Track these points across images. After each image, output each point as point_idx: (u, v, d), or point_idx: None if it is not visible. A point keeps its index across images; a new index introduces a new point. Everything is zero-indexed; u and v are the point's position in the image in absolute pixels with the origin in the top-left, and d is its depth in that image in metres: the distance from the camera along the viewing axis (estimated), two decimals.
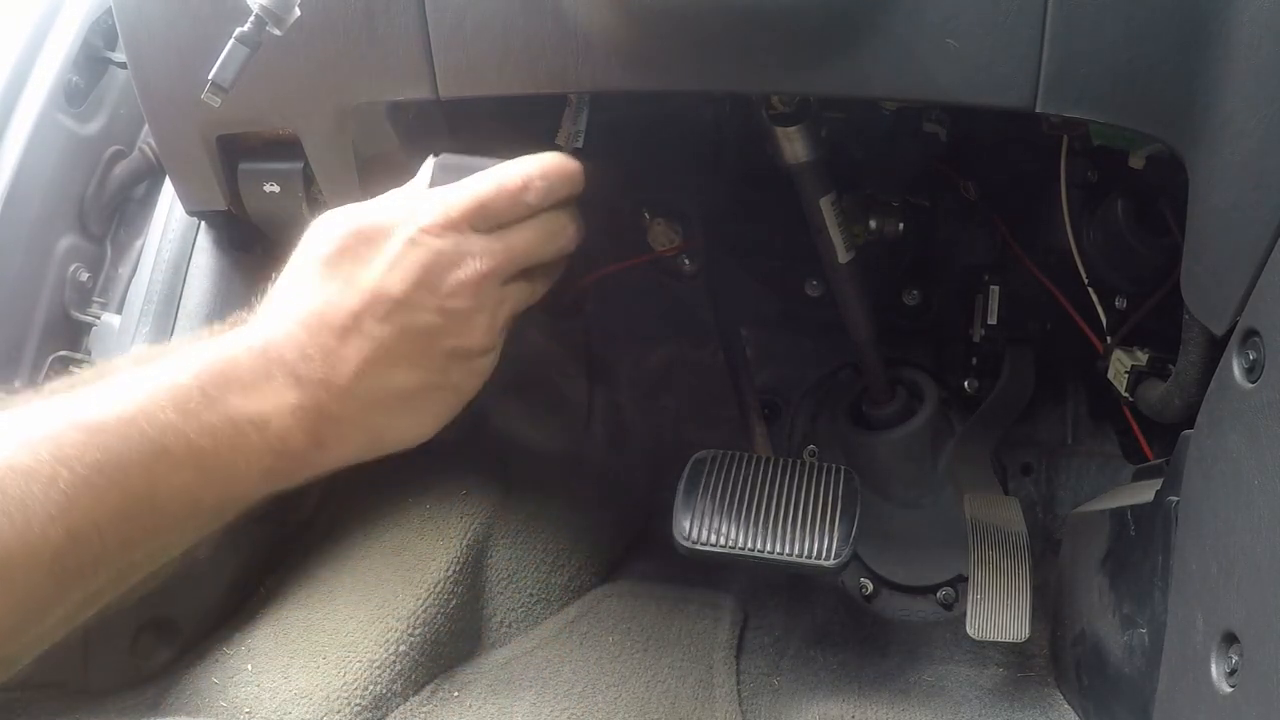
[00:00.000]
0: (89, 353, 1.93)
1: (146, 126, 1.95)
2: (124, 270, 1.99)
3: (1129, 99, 1.19)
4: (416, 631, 1.63)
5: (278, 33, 1.27)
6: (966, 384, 2.13)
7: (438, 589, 1.71)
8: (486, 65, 1.35)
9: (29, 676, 1.43)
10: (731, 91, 1.67)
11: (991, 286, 2.03)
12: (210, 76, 1.25)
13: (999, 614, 1.61)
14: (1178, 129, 1.18)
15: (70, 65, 1.90)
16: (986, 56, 1.20)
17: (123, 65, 1.91)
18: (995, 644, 1.69)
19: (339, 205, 1.56)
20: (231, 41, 1.25)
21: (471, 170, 1.49)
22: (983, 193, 2.00)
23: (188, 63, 1.41)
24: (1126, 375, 1.63)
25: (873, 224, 1.96)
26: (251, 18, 1.25)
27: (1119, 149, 1.53)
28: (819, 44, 1.25)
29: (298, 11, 1.26)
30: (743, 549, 1.62)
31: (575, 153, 1.62)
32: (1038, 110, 1.21)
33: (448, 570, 1.74)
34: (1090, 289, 1.79)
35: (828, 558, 1.60)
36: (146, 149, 1.97)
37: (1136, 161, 1.53)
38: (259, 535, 1.78)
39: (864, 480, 1.74)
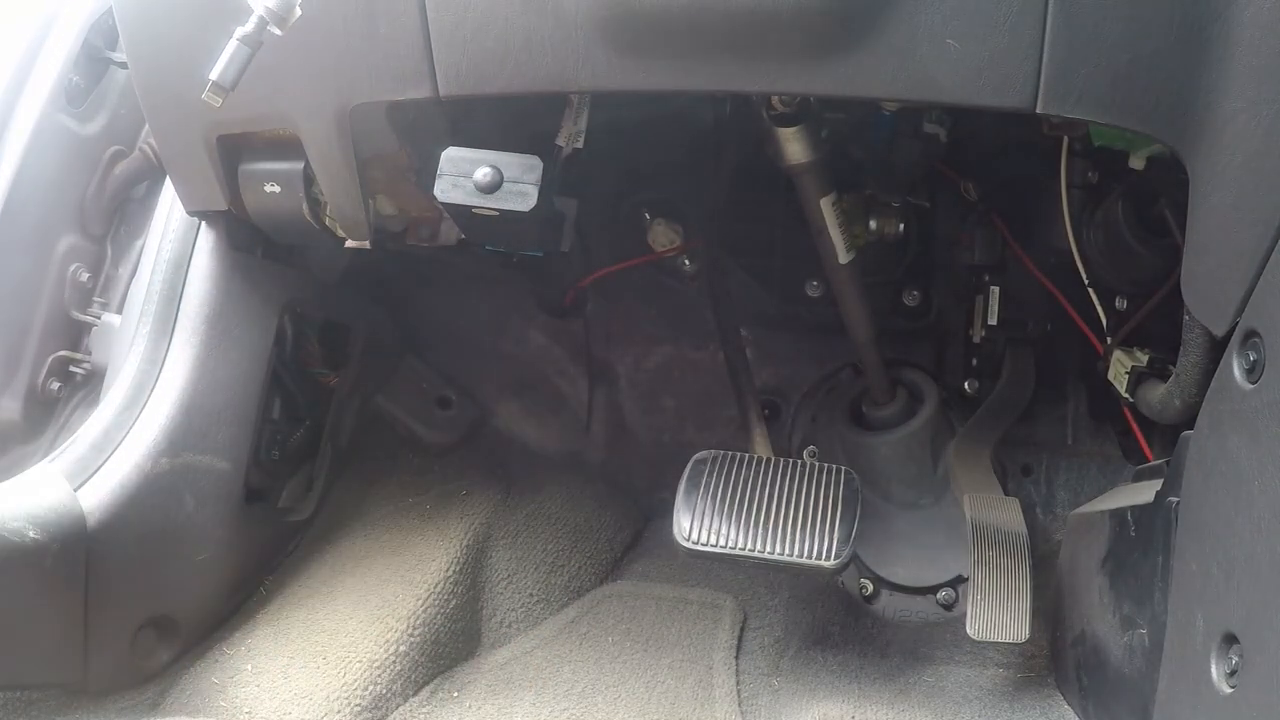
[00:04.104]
0: (89, 352, 1.93)
1: (147, 126, 1.94)
2: (124, 270, 1.98)
3: (1129, 100, 1.19)
4: (416, 632, 1.64)
5: (279, 33, 1.26)
6: (966, 385, 2.13)
7: (438, 589, 1.71)
8: (487, 65, 1.35)
9: (29, 676, 1.43)
10: (732, 92, 1.67)
11: (992, 287, 2.03)
12: (212, 77, 1.25)
13: (999, 615, 1.60)
14: (1178, 130, 1.18)
15: (71, 65, 1.90)
16: (987, 58, 1.20)
17: (123, 65, 1.91)
18: (995, 644, 1.69)
19: (339, 205, 1.58)
20: (233, 42, 1.24)
21: (479, 163, 1.51)
22: (983, 193, 2.01)
23: (188, 63, 1.41)
24: (1127, 376, 1.63)
25: (873, 224, 1.96)
26: (253, 18, 1.24)
27: (1119, 150, 1.53)
28: (819, 44, 1.25)
29: (299, 11, 1.26)
30: (742, 550, 1.62)
31: (576, 153, 1.63)
32: (1038, 111, 1.22)
33: (447, 570, 1.75)
34: (1090, 290, 1.79)
35: (828, 558, 1.61)
36: (147, 149, 1.96)
37: (1137, 162, 1.53)
38: (258, 535, 1.78)
39: (864, 481, 1.74)
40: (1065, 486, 2.09)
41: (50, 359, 1.89)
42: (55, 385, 1.90)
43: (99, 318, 1.94)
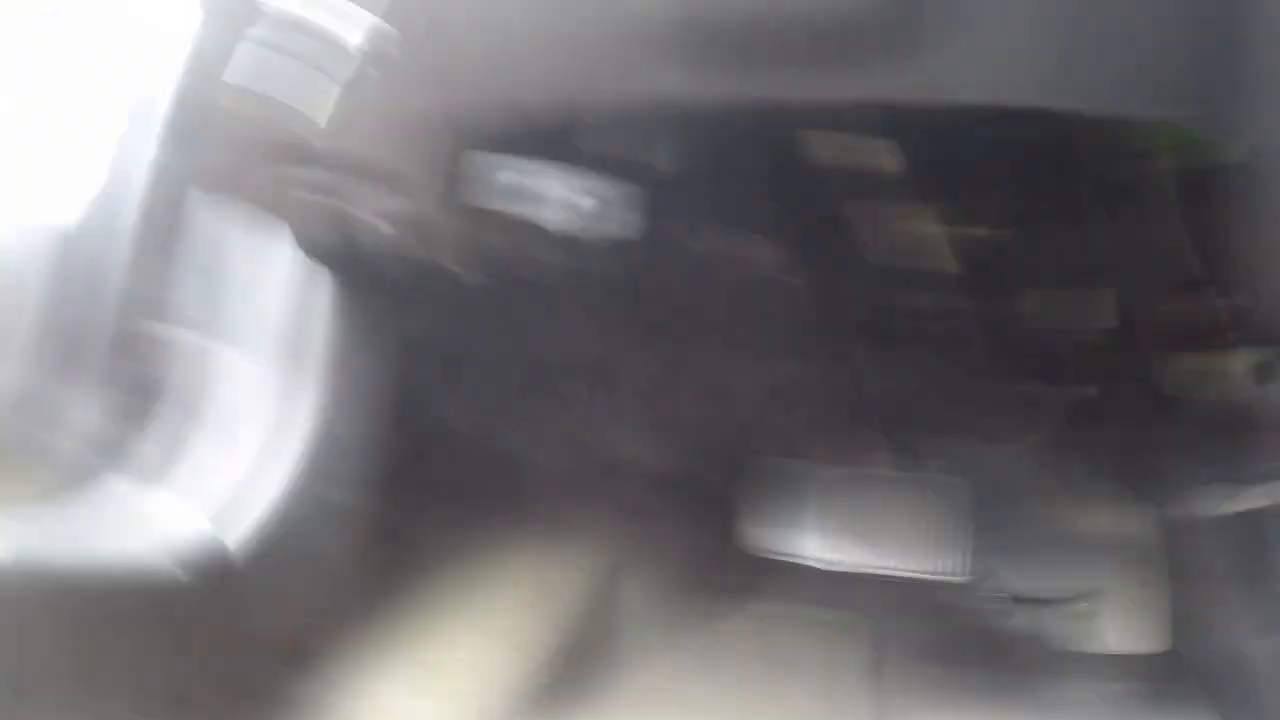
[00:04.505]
0: (164, 372, 1.95)
1: (232, 160, 1.98)
2: (201, 292, 2.01)
3: (1195, 96, 1.17)
4: (547, 661, 1.65)
5: (374, 73, 1.29)
6: (1084, 389, 2.10)
7: (566, 618, 1.73)
8: (569, 81, 1.38)
9: (172, 713, 1.47)
10: (798, 99, 1.67)
11: (1105, 288, 2.00)
12: (314, 124, 1.27)
13: (1137, 624, 1.58)
14: (1260, 121, 1.16)
15: (174, 109, 1.93)
16: (1054, 60, 1.19)
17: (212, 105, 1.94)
18: (1133, 654, 1.66)
19: (441, 236, 1.60)
20: (324, 85, 1.26)
21: (554, 186, 1.53)
22: (1090, 193, 1.98)
23: (288, 109, 1.44)
24: (1247, 371, 1.60)
25: (979, 231, 1.94)
26: (352, 63, 1.26)
27: (1205, 142, 1.51)
28: (883, 48, 1.25)
29: (392, 52, 1.28)
30: (870, 568, 1.62)
31: (676, 175, 1.63)
32: (1109, 112, 1.22)
33: (575, 599, 1.77)
34: (1201, 283, 1.76)
35: (959, 574, 1.60)
36: (228, 182, 1.99)
37: (1234, 153, 1.51)
38: (387, 568, 1.82)
39: (991, 494, 1.73)
40: (1200, 485, 2.03)
41: (125, 378, 1.91)
42: (134, 402, 1.91)
43: (174, 337, 1.96)
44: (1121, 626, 1.59)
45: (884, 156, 1.69)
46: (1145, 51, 1.17)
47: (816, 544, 1.66)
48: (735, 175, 2.01)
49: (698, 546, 2.02)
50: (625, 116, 1.58)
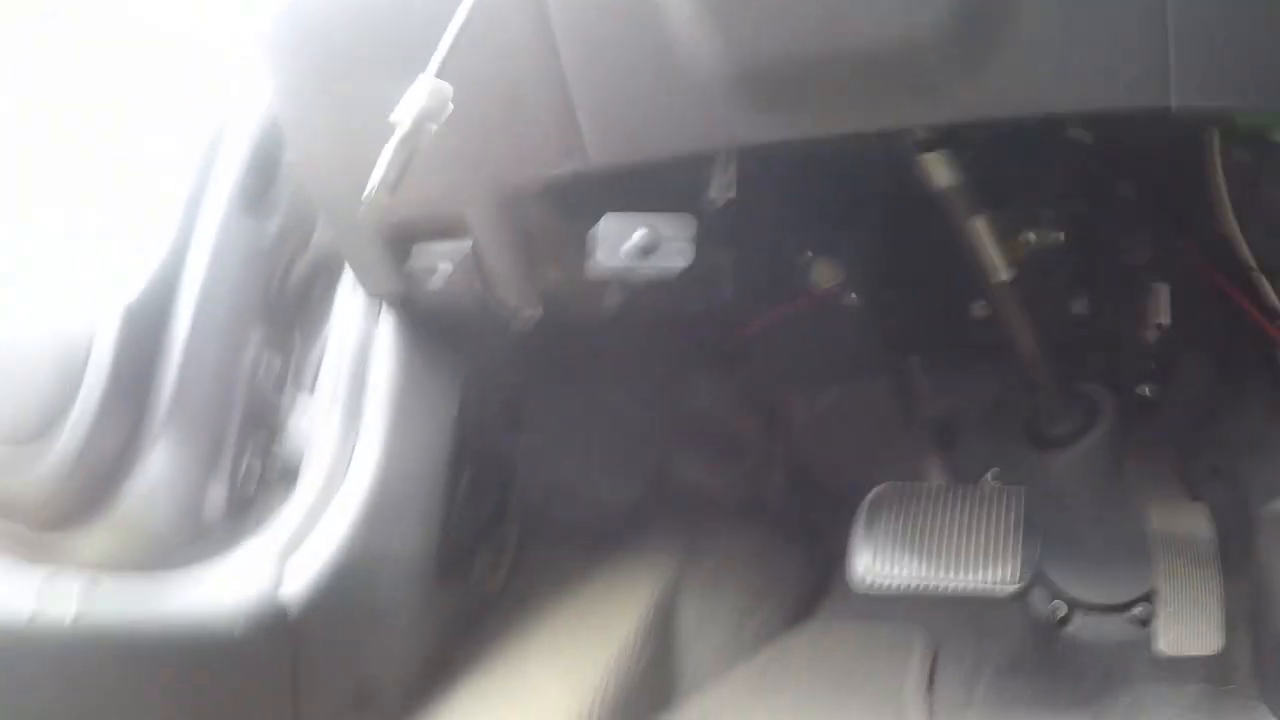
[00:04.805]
0: (287, 435, 2.01)
1: (320, 222, 2.03)
2: (314, 354, 2.06)
3: (1260, 81, 1.16)
4: (610, 689, 1.67)
5: (434, 128, 1.31)
6: (1145, 390, 2.08)
7: (629, 646, 1.75)
8: (632, 134, 1.40)
9: None
10: (865, 131, 1.69)
11: (1159, 285, 1.99)
12: (374, 183, 1.30)
13: (1191, 627, 1.57)
14: None
15: (245, 170, 1.99)
16: (1112, 61, 1.19)
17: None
18: (1193, 658, 1.65)
19: (508, 280, 1.63)
20: (392, 146, 1.28)
21: (635, 227, 1.54)
22: (1140, 191, 1.96)
23: (353, 164, 1.42)
24: None
25: (1031, 237, 1.93)
26: (409, 119, 1.28)
27: (1265, 127, 1.49)
28: (943, 71, 1.25)
29: (451, 107, 1.30)
30: (923, 583, 1.62)
31: (729, 203, 1.66)
32: (1173, 106, 1.19)
33: (636, 627, 1.79)
34: (1259, 274, 1.74)
35: (1009, 583, 1.60)
36: (323, 243, 2.04)
37: None
38: (453, 606, 1.84)
39: (1047, 498, 1.72)
40: (1258, 483, 1.99)
41: (250, 445, 1.97)
42: (255, 474, 1.97)
43: (293, 402, 2.02)
44: (1178, 629, 1.58)
45: (938, 169, 1.68)
46: (1214, 43, 1.16)
47: (872, 560, 1.66)
48: (791, 198, 2.04)
49: (756, 567, 2.03)
50: (686, 162, 1.60)
